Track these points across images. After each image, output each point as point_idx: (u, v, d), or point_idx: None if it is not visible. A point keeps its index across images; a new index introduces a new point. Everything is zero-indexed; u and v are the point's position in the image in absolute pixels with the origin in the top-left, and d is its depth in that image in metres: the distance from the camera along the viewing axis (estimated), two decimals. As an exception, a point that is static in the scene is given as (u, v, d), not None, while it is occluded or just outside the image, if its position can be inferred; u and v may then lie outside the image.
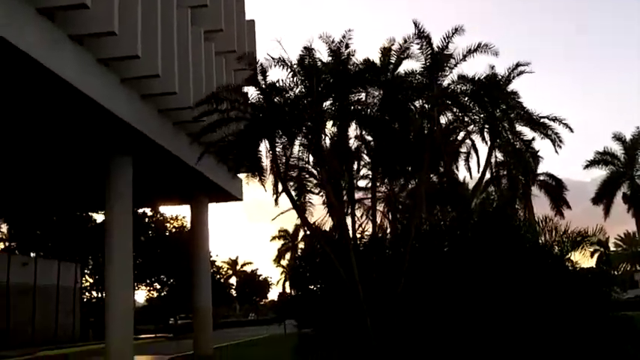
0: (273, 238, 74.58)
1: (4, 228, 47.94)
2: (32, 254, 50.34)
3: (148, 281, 59.36)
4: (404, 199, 22.80)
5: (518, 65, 18.51)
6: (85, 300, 56.20)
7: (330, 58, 15.54)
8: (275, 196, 17.48)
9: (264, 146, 16.12)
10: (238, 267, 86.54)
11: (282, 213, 18.88)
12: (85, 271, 56.40)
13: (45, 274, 43.51)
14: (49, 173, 23.44)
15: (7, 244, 48.91)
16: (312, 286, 18.60)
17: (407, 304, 14.76)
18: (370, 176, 17.59)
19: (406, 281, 14.33)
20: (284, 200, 17.32)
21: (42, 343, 40.68)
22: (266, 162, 16.77)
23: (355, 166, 17.80)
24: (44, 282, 43.32)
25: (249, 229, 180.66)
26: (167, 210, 62.56)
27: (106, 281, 18.83)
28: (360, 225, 17.64)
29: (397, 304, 14.74)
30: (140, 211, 51.90)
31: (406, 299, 14.76)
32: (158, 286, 60.61)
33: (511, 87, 18.69)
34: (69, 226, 50.85)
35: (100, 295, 59.97)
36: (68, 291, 46.52)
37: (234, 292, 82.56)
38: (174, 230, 60.71)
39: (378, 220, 19.18)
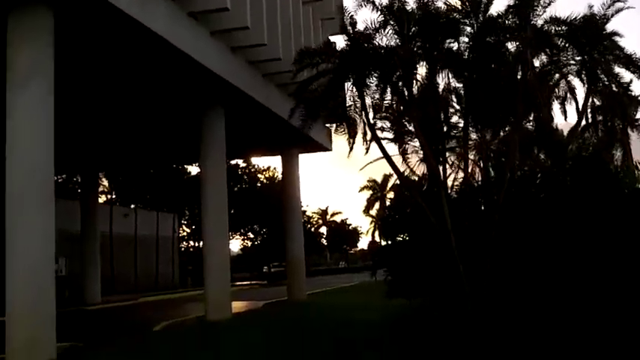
0: (362, 188, 74.90)
1: (106, 182, 50.31)
2: (132, 206, 52.82)
3: (242, 231, 61.14)
4: (496, 146, 22.24)
5: (615, 1, 17.37)
6: (182, 249, 58.67)
7: (417, 4, 15.18)
8: (364, 145, 17.46)
9: (353, 95, 16.13)
10: (328, 217, 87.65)
11: (370, 162, 18.89)
12: (182, 221, 58.72)
13: (145, 225, 45.67)
14: (146, 128, 24.33)
15: (108, 196, 51.45)
16: (403, 235, 18.66)
17: (500, 251, 14.57)
18: (460, 124, 17.25)
19: (499, 229, 14.11)
20: (374, 150, 17.22)
21: (144, 290, 43.02)
22: (354, 111, 16.79)
23: (443, 117, 17.49)
24: (144, 232, 45.51)
25: (338, 180, 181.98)
26: (259, 161, 63.81)
27: (203, 231, 19.55)
28: (452, 173, 17.45)
29: (490, 251, 14.58)
30: (233, 162, 53.20)
31: (499, 246, 14.57)
32: (251, 236, 62.35)
33: (609, 27, 17.63)
34: (166, 179, 52.94)
35: (196, 245, 62.45)
36: (167, 240, 48.68)
37: (324, 242, 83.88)
38: (265, 181, 61.98)
39: (470, 169, 18.91)
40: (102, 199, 46.48)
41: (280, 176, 38.77)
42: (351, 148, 17.49)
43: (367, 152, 17.51)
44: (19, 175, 11.48)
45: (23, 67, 11.79)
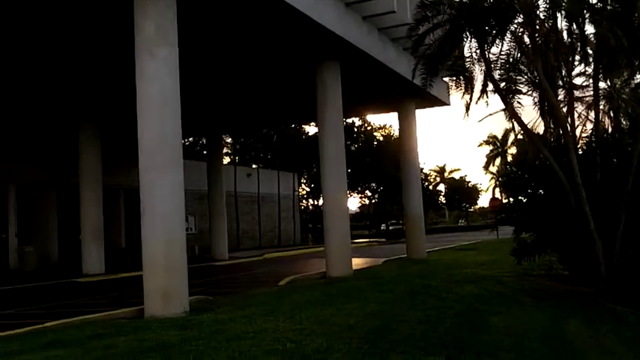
0: (481, 144, 72.94)
1: (229, 143, 52.09)
2: (254, 166, 54.48)
3: (360, 189, 61.54)
4: (629, 95, 20.86)
5: None
6: (302, 207, 59.99)
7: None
8: (484, 98, 16.90)
9: (471, 47, 15.58)
10: (446, 174, 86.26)
11: (490, 115, 18.32)
12: (302, 180, 59.93)
13: (267, 184, 47.07)
14: (265, 88, 24.84)
15: (232, 157, 53.31)
16: (527, 191, 18.04)
17: (636, 207, 13.78)
18: (587, 72, 16.28)
19: (635, 183, 13.32)
20: (493, 103, 16.65)
21: (267, 246, 44.56)
22: (473, 63, 16.23)
23: (568, 65, 16.56)
24: (266, 191, 46.93)
25: (456, 136, 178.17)
26: (375, 119, 63.62)
27: (323, 187, 19.81)
28: (579, 125, 16.59)
29: (624, 207, 13.80)
30: (349, 121, 53.40)
31: (635, 202, 13.77)
32: (369, 194, 62.65)
33: None
34: (285, 139, 54.06)
35: (315, 203, 63.66)
36: (287, 199, 49.94)
37: (442, 200, 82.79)
38: (382, 139, 61.80)
39: (600, 119, 17.87)
40: (226, 160, 48.19)
41: (397, 133, 38.48)
42: (469, 104, 17.02)
43: (487, 105, 16.97)
44: (151, 138, 12.07)
45: (150, 33, 12.27)
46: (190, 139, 47.98)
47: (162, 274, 11.57)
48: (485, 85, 16.55)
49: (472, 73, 16.49)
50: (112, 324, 10.13)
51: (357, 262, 22.34)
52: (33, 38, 17.39)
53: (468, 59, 16.16)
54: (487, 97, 16.81)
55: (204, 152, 43.53)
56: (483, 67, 15.59)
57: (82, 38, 17.59)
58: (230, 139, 51.79)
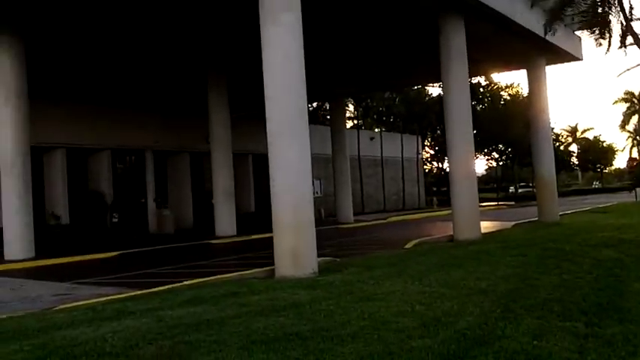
0: (617, 101, 68.60)
1: (351, 107, 52.16)
2: (376, 130, 54.29)
3: (486, 151, 59.78)
4: None
5: None
6: (426, 171, 59.24)
7: None
8: (622, 49, 15.73)
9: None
10: (578, 134, 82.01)
11: (628, 70, 17.04)
12: (425, 143, 59.07)
13: (390, 147, 46.82)
14: (387, 48, 24.53)
15: (354, 121, 53.39)
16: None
17: None
18: None
19: None
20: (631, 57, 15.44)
21: (391, 210, 44.55)
22: (609, 12, 15.11)
23: None
24: (390, 154, 46.71)
25: (588, 94, 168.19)
26: (501, 77, 61.26)
27: (449, 149, 19.37)
28: None
29: None
30: (474, 81, 51.74)
31: None
32: (496, 156, 60.76)
33: None
34: (407, 101, 53.34)
35: (440, 166, 62.63)
36: (411, 162, 49.48)
37: (575, 161, 78.89)
38: (509, 98, 59.46)
39: None
40: (349, 124, 48.35)
41: (525, 92, 36.83)
42: (607, 53, 15.89)
43: (626, 55, 15.78)
44: (277, 103, 12.25)
45: (274, 1, 12.40)
46: (314, 104, 48.50)
47: (291, 236, 11.82)
48: (623, 36, 15.40)
49: (608, 22, 15.36)
50: (245, 283, 10.49)
51: (486, 226, 21.79)
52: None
53: (602, 8, 15.06)
54: (625, 47, 15.64)
55: (327, 117, 43.89)
56: (621, 17, 14.47)
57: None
58: (352, 104, 51.82)
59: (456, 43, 18.60)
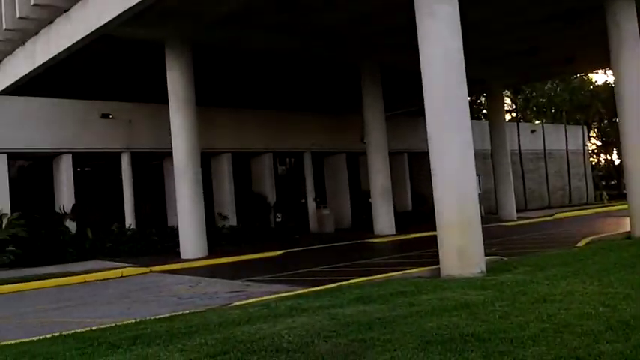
0: None
1: (508, 100, 50.29)
2: (537, 122, 51.86)
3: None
4: None
5: None
6: (593, 164, 55.65)
7: None
8: None
9: None
10: None
11: None
12: (591, 134, 55.56)
13: (553, 140, 44.50)
14: (549, 33, 23.34)
15: (512, 114, 51.43)
16: None
17: None
18: None
19: None
20: None
21: (556, 206, 42.30)
22: None
23: None
24: (553, 147, 44.40)
25: None
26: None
27: (623, 142, 17.97)
28: None
29: None
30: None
31: None
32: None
33: None
34: (571, 90, 50.49)
35: (608, 158, 58.64)
36: (577, 155, 46.69)
37: None
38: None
39: None
40: (507, 117, 46.64)
41: None
42: None
43: None
44: (436, 98, 12.04)
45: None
46: (470, 97, 47.31)
47: (457, 234, 11.55)
48: None
49: None
50: (411, 282, 10.40)
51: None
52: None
53: None
54: None
55: (484, 111, 42.59)
56: None
57: None
58: (510, 96, 49.92)
59: (627, 28, 17.23)
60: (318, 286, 11.12)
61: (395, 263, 15.44)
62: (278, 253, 19.76)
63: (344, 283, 11.17)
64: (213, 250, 20.24)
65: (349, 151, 30.31)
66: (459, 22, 12.21)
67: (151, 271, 16.77)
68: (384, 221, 25.03)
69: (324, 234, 26.79)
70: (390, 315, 7.51)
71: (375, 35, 22.88)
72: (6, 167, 20.78)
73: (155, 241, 21.42)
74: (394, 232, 24.67)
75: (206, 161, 23.34)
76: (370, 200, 25.90)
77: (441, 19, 12.06)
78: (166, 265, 17.46)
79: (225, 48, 22.45)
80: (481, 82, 29.98)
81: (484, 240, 11.86)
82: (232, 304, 9.89)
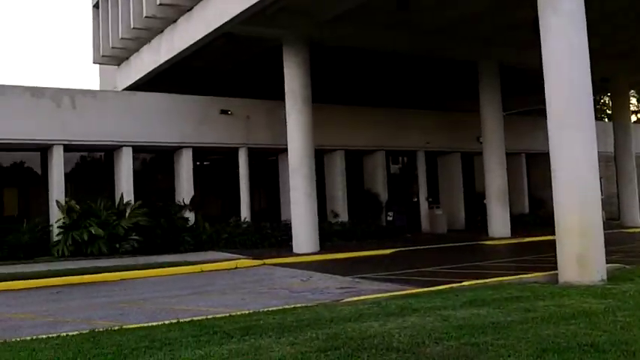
0: None
1: (634, 100, 47.43)
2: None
3: None
4: None
5: None
6: None
7: None
8: None
9: None
10: None
11: None
12: None
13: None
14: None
15: (639, 115, 48.53)
16: None
17: None
18: None
19: None
20: None
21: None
22: None
23: None
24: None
25: None
26: None
27: None
28: None
29: None
30: None
31: None
32: None
33: None
34: None
35: None
36: None
37: None
38: None
39: None
40: (634, 118, 43.97)
41: None
42: None
43: None
44: (559, 96, 11.57)
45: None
46: (593, 97, 44.93)
47: (577, 240, 11.04)
48: None
49: None
50: (527, 287, 10.05)
51: None
52: None
53: None
54: None
55: (608, 111, 40.30)
56: None
57: None
58: (636, 96, 47.01)
59: None
60: (429, 286, 10.98)
61: (509, 267, 14.97)
62: (389, 251, 19.68)
63: (456, 285, 10.95)
64: (324, 245, 20.48)
65: (464, 151, 29.67)
66: (584, 18, 11.66)
67: (264, 264, 17.20)
68: (498, 223, 24.30)
69: (436, 234, 26.38)
70: (505, 320, 7.28)
71: (494, 33, 22.26)
72: (131, 159, 22.02)
73: (269, 235, 21.94)
74: (509, 235, 23.90)
75: (320, 158, 23.60)
76: (485, 201, 25.24)
77: (565, 13, 11.60)
78: (279, 259, 17.85)
79: (340, 46, 22.61)
80: (605, 80, 28.39)
81: (605, 246, 11.27)
82: (343, 301, 9.95)
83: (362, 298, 10.13)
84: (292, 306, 9.37)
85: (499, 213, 24.37)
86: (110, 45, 24.75)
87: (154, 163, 24.69)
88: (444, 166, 30.36)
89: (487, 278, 11.72)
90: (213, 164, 25.88)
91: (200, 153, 23.80)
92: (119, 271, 15.65)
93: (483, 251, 20.12)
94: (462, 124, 28.72)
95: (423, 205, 28.29)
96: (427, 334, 6.66)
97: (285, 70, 20.32)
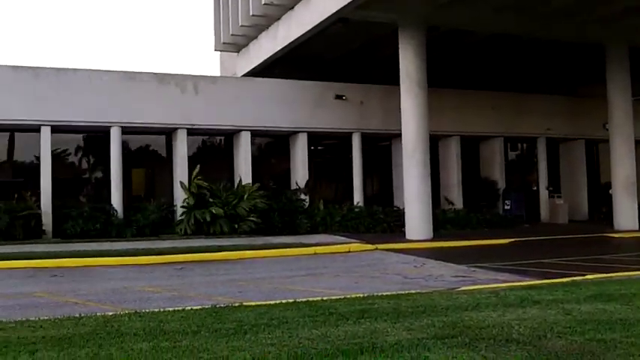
0: None
1: None
2: None
3: None
4: None
5: None
6: None
7: None
8: None
9: None
10: None
11: None
12: None
13: None
14: None
15: None
16: None
17: None
18: None
19: None
20: None
21: None
22: None
23: None
24: None
25: None
26: None
27: None
28: None
29: None
30: None
31: None
32: None
33: None
34: None
35: None
36: None
37: None
38: None
39: None
40: None
41: None
42: None
43: None
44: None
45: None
46: None
47: None
48: None
49: None
50: (657, 283, 9.43)
51: None
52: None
53: None
54: None
55: None
56: None
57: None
58: None
59: None
60: (549, 278, 10.58)
61: (637, 262, 14.12)
62: (506, 241, 19.13)
63: (579, 278, 10.46)
64: (437, 233, 20.22)
65: (588, 138, 28.23)
66: None
67: (376, 249, 17.22)
68: (625, 215, 22.97)
69: (557, 225, 25.35)
70: (634, 317, 6.86)
71: (622, 14, 20.90)
72: (249, 143, 22.67)
73: (381, 220, 21.91)
74: (637, 228, 22.55)
75: (434, 143, 23.24)
76: (610, 192, 23.93)
77: None
78: (391, 244, 17.80)
79: (456, 29, 22.07)
80: None
81: None
82: (459, 289, 9.78)
83: (478, 287, 9.90)
84: (406, 292, 9.32)
85: (626, 204, 23.03)
86: (230, 32, 25.52)
87: (269, 147, 25.31)
88: (566, 154, 29.05)
89: (612, 272, 11.12)
90: (327, 149, 26.15)
91: (314, 138, 24.11)
92: (238, 250, 16.22)
93: (608, 244, 19.13)
94: (586, 109, 27.34)
95: (543, 194, 27.24)
96: (549, 327, 6.40)
97: (401, 54, 20.10)
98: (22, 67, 20.45)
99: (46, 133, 20.27)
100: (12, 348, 5.83)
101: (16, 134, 21.80)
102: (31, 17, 72.14)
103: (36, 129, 20.27)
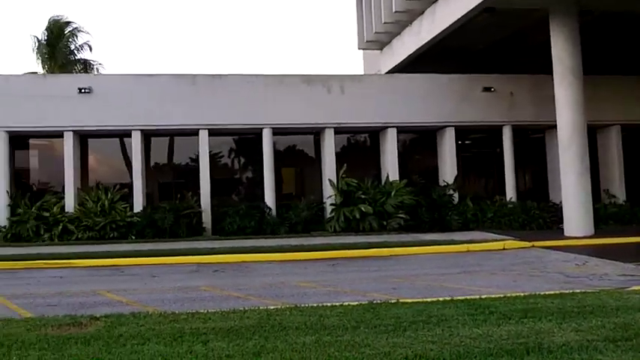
0: None
1: None
2: None
3: None
4: None
5: None
6: None
7: None
8: None
9: None
10: None
11: None
12: None
13: None
14: None
15: None
16: None
17: None
18: None
19: None
20: None
21: None
22: None
23: None
24: None
25: None
26: None
27: None
28: None
29: None
30: None
31: None
32: None
33: None
34: None
35: None
36: None
37: None
38: None
39: None
40: None
41: None
42: None
43: None
44: None
45: None
46: None
47: None
48: None
49: None
50: None
51: None
52: None
53: None
54: None
55: None
56: None
57: None
58: None
59: None
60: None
61: None
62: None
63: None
64: (598, 229, 19.04)
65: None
66: None
67: (533, 246, 16.53)
68: None
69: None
70: None
71: None
72: (395, 140, 22.63)
73: (536, 216, 20.96)
74: None
75: (592, 134, 21.87)
76: None
77: None
78: (549, 241, 16.98)
79: (611, 12, 20.63)
80: None
81: None
82: (628, 289, 9.13)
83: (652, 287, 9.20)
84: (570, 291, 8.86)
85: None
86: (373, 30, 25.61)
87: (415, 142, 25.14)
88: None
89: None
90: (475, 143, 25.50)
91: (461, 132, 23.59)
92: (388, 247, 16.23)
93: None
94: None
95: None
96: None
97: (553, 42, 19.14)
98: (180, 74, 21.80)
99: (204, 136, 21.48)
100: (186, 338, 6.23)
101: (175, 138, 23.37)
102: (183, 27, 76.85)
103: (194, 132, 21.55)
